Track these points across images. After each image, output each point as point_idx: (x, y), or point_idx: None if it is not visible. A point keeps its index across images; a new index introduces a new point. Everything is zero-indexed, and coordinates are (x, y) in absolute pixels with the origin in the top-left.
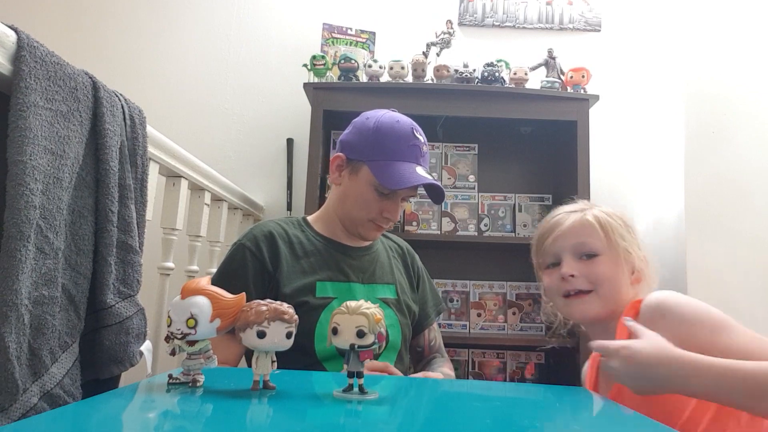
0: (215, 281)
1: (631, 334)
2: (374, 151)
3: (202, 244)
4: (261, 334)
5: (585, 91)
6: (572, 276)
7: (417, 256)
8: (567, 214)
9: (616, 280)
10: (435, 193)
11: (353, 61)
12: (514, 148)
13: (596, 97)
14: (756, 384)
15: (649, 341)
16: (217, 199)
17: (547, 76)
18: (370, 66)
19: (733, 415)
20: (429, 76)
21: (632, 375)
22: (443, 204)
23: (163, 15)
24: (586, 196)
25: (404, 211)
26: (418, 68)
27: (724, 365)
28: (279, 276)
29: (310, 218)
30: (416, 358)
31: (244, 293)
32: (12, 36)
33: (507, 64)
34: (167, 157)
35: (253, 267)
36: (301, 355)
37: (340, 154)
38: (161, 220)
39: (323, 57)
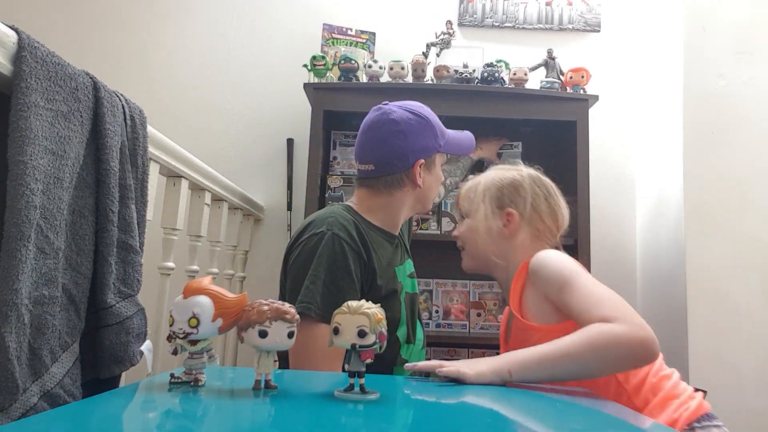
0: (319, 277)
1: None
2: (439, 137)
3: (202, 244)
4: (263, 334)
5: (584, 91)
6: (455, 236)
7: None
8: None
9: (475, 239)
10: None
11: (353, 62)
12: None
13: (596, 98)
14: (576, 363)
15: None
16: (217, 199)
17: (546, 77)
18: (370, 66)
19: None
20: (429, 77)
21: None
22: (443, 204)
23: (163, 15)
24: (586, 196)
25: None
26: (418, 68)
27: (535, 356)
28: (373, 265)
29: (356, 208)
30: None
31: (245, 293)
32: (13, 36)
33: (507, 64)
34: (168, 157)
35: (353, 259)
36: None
37: (421, 160)
38: (162, 220)
39: (323, 57)
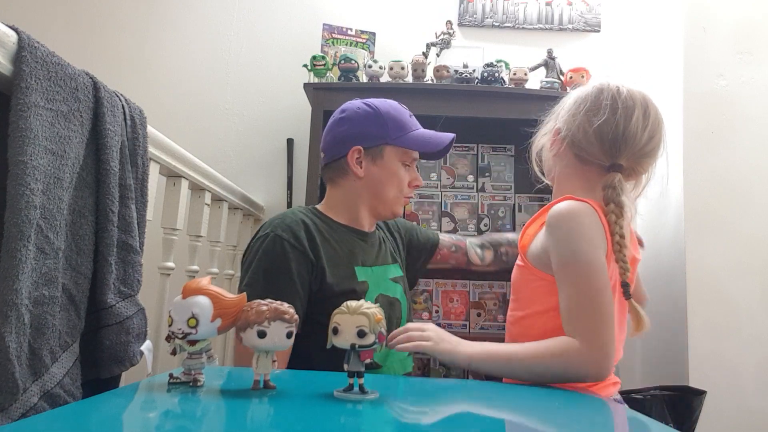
0: (257, 279)
1: None
2: (391, 130)
3: (202, 244)
4: (261, 334)
5: None
6: None
7: (399, 219)
8: None
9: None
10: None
11: (353, 62)
12: (514, 149)
13: None
14: (529, 370)
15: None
16: (217, 199)
17: (546, 77)
18: (370, 66)
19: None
20: (429, 77)
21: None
22: (443, 204)
23: (163, 15)
24: None
25: (404, 211)
26: (418, 68)
27: (505, 354)
28: (322, 264)
29: (320, 208)
30: (456, 266)
31: (245, 294)
32: (13, 36)
33: (507, 64)
34: (168, 157)
35: (295, 258)
36: None
37: (357, 146)
38: (162, 220)
39: (323, 57)
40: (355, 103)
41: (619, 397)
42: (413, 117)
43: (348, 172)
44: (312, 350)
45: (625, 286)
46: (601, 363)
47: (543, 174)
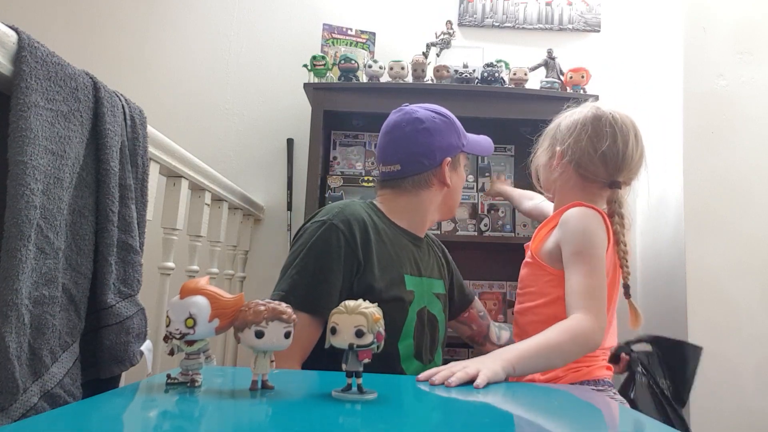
0: (308, 264)
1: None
2: (462, 137)
3: (202, 244)
4: (259, 334)
5: (584, 91)
6: None
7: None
8: None
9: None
10: None
11: (353, 62)
12: (514, 149)
13: (596, 98)
14: (561, 351)
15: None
16: (217, 199)
17: (546, 77)
18: (370, 66)
19: None
20: (429, 77)
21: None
22: None
23: (163, 15)
24: None
25: None
26: (418, 69)
27: (531, 350)
28: (370, 266)
29: (380, 206)
30: (474, 334)
31: (242, 293)
32: (13, 36)
33: (507, 64)
34: (168, 157)
35: (345, 252)
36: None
37: (448, 158)
38: (162, 220)
39: (323, 57)
40: (425, 113)
41: (611, 381)
42: None
43: (433, 183)
44: None
45: (626, 287)
46: (601, 331)
47: (541, 187)
